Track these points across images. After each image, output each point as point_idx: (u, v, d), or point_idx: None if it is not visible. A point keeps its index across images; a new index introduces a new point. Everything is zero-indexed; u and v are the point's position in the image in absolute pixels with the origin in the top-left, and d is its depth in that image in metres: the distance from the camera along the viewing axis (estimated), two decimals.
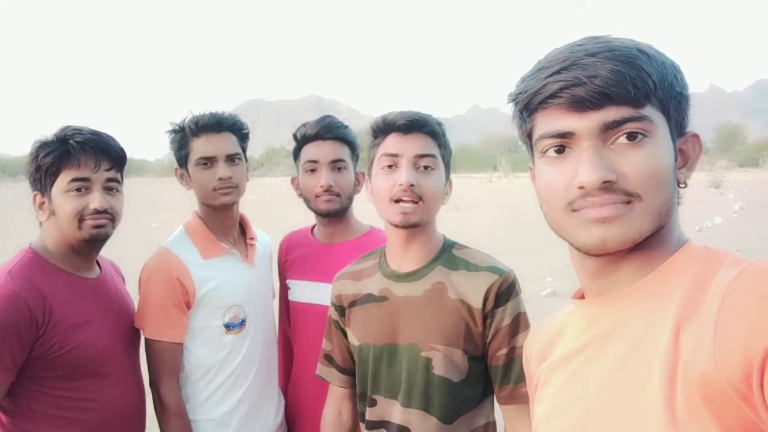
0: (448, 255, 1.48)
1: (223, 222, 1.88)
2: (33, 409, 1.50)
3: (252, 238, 1.98)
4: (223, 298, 1.79)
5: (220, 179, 1.79)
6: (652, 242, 0.78)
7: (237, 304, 1.82)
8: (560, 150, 0.79)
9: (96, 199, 1.57)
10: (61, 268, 1.58)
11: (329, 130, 1.91)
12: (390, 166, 1.42)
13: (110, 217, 1.61)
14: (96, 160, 1.58)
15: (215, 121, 1.83)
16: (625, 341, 0.76)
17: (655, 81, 0.75)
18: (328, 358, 1.65)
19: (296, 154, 1.99)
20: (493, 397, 1.49)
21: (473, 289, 1.41)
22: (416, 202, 1.38)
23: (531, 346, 1.02)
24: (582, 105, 0.75)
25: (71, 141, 1.56)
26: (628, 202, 0.74)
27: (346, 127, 1.98)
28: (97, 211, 1.56)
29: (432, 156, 1.43)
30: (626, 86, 0.73)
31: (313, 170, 1.91)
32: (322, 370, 1.67)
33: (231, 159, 1.83)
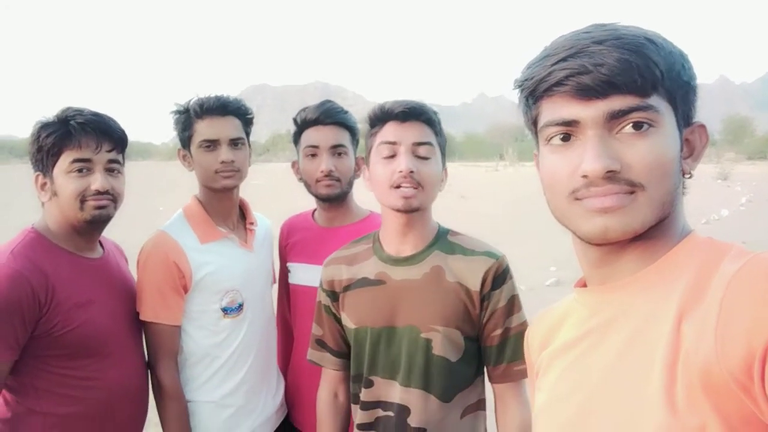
0: (443, 240, 1.52)
1: (223, 205, 1.89)
2: (36, 387, 1.51)
3: (252, 223, 1.99)
4: (220, 283, 1.80)
5: (222, 162, 1.80)
6: (656, 232, 0.77)
7: (234, 288, 1.82)
8: (565, 138, 0.79)
9: (98, 180, 1.57)
10: (64, 248, 1.59)
11: (329, 115, 1.92)
12: (389, 155, 1.44)
13: (112, 198, 1.61)
14: (97, 141, 1.58)
15: (220, 105, 1.83)
16: (627, 330, 0.76)
17: (663, 70, 0.74)
18: (320, 343, 1.67)
19: (296, 138, 2.00)
20: (483, 377, 1.55)
21: (471, 273, 1.46)
22: (416, 188, 1.41)
23: (533, 334, 1.03)
24: (588, 93, 0.74)
25: (72, 122, 1.56)
26: (632, 192, 0.74)
27: (346, 112, 1.98)
28: (99, 192, 1.57)
29: (429, 144, 1.46)
30: (633, 75, 0.72)
31: (313, 155, 1.92)
32: (314, 354, 1.69)
33: (234, 143, 1.84)
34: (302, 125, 1.96)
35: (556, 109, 0.78)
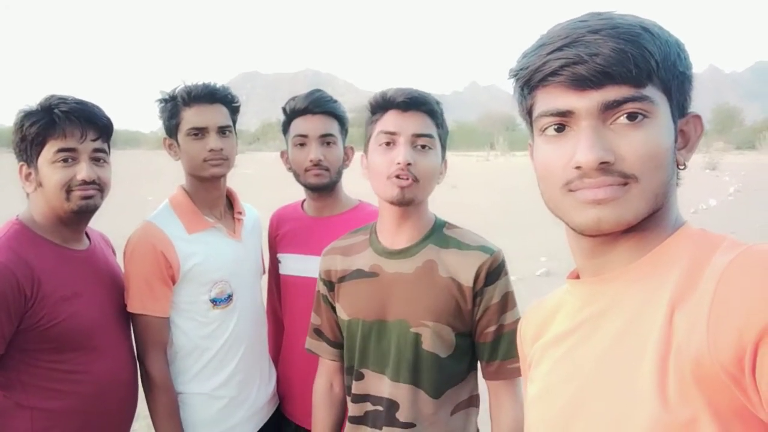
0: (439, 234, 1.49)
1: (210, 195, 1.87)
2: (23, 381, 1.49)
3: (240, 213, 1.97)
4: (208, 273, 1.79)
5: (211, 150, 1.78)
6: (649, 224, 0.77)
7: (223, 279, 1.81)
8: (560, 128, 0.78)
9: (83, 170, 1.55)
10: (49, 240, 1.57)
11: (318, 104, 1.91)
12: (387, 144, 1.42)
13: (98, 187, 1.59)
14: (82, 130, 1.55)
15: (208, 92, 1.81)
16: (619, 321, 0.76)
17: (658, 60, 0.73)
18: (318, 332, 1.67)
19: (285, 127, 1.99)
20: (476, 372, 1.53)
21: (464, 268, 1.43)
22: (412, 181, 1.39)
23: (525, 326, 1.03)
24: (582, 83, 0.74)
25: (56, 110, 1.54)
26: (625, 184, 0.74)
27: (336, 101, 1.98)
28: (85, 182, 1.55)
29: (429, 136, 1.43)
30: (628, 65, 0.72)
31: (302, 144, 1.91)
32: (312, 343, 1.69)
33: (222, 131, 1.82)
34: (291, 114, 1.95)
35: (550, 99, 0.78)
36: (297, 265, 1.97)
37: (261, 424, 1.96)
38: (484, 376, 1.50)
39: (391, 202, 1.42)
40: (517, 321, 1.42)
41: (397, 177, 1.38)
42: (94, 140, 1.59)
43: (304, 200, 2.06)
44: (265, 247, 2.12)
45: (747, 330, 0.59)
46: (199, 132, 1.79)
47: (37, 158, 1.55)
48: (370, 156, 1.47)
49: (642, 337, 0.71)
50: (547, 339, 0.91)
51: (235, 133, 1.91)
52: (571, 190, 0.77)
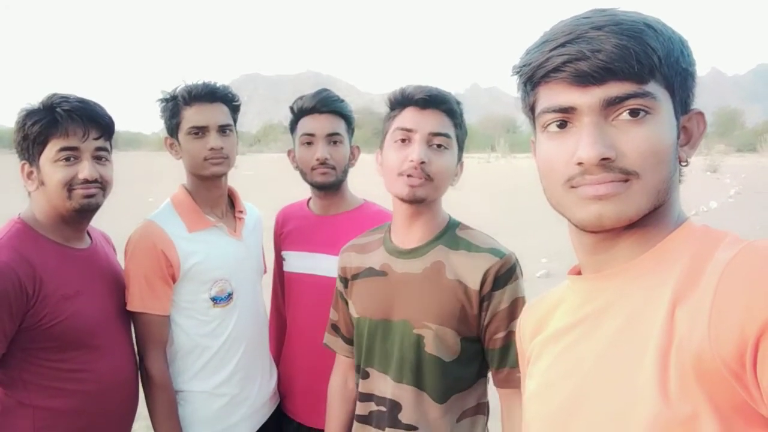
0: (450, 234, 1.47)
1: (211, 194, 1.88)
2: (25, 380, 1.49)
3: (241, 212, 1.98)
4: (208, 272, 1.79)
5: (211, 149, 1.79)
6: (651, 220, 0.77)
7: (223, 277, 1.81)
8: (562, 125, 0.78)
9: (85, 169, 1.55)
10: (51, 239, 1.57)
11: (326, 103, 1.92)
12: (403, 140, 1.39)
13: (100, 186, 1.59)
14: (84, 128, 1.56)
15: (208, 91, 1.81)
16: (621, 317, 0.76)
17: (661, 56, 0.73)
18: (335, 328, 1.68)
19: (293, 126, 2.00)
20: (486, 379, 1.50)
21: (471, 270, 1.40)
22: (424, 180, 1.37)
23: (525, 322, 1.03)
24: (585, 80, 0.74)
25: (58, 109, 1.54)
26: (626, 180, 0.74)
27: (342, 101, 1.99)
28: (87, 181, 1.55)
29: (446, 135, 1.40)
30: (630, 61, 0.72)
31: (309, 143, 1.92)
32: (329, 339, 1.70)
33: (223, 130, 1.82)
34: (299, 113, 1.96)
35: (553, 96, 0.78)
36: (301, 262, 1.98)
37: (262, 422, 1.96)
38: (494, 384, 1.47)
39: (402, 200, 1.41)
40: None
41: (409, 176, 1.36)
42: (96, 139, 1.59)
43: (310, 198, 2.07)
44: (267, 246, 2.12)
45: (748, 325, 0.59)
46: (200, 131, 1.80)
47: (39, 157, 1.55)
48: (385, 152, 1.45)
49: (643, 333, 0.71)
50: (547, 334, 0.91)
51: (236, 132, 1.91)
52: (573, 187, 0.77)
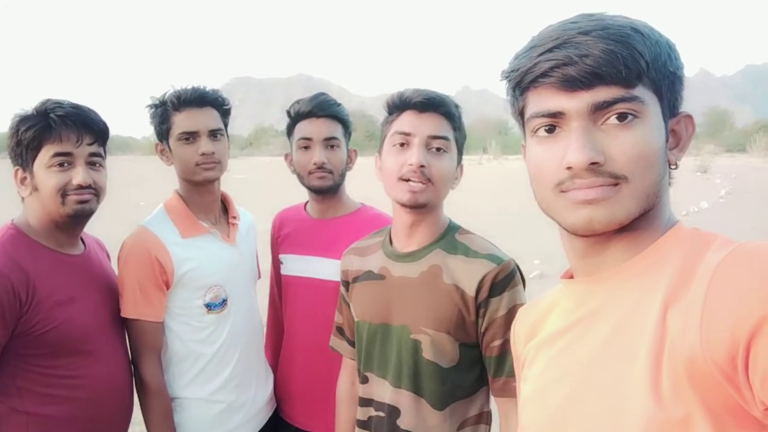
0: (449, 239, 1.45)
1: (204, 199, 1.87)
2: (18, 386, 1.48)
3: (234, 217, 1.97)
4: (202, 278, 1.78)
5: (203, 154, 1.78)
6: (641, 223, 0.78)
7: (217, 283, 1.81)
8: (551, 129, 0.79)
9: (79, 175, 1.54)
10: (44, 245, 1.56)
11: (323, 107, 1.92)
12: (402, 144, 1.39)
13: (94, 192, 1.59)
14: (78, 134, 1.55)
15: (198, 96, 1.80)
16: (613, 320, 0.77)
17: (648, 61, 0.74)
18: (340, 331, 1.68)
19: (290, 130, 2.00)
20: (488, 388, 1.47)
21: (468, 276, 1.38)
22: (425, 184, 1.36)
23: (519, 326, 1.03)
24: (573, 85, 0.74)
25: (52, 115, 1.53)
26: (616, 184, 0.74)
27: (340, 105, 1.99)
28: (81, 187, 1.54)
29: (445, 138, 1.39)
30: (617, 66, 0.72)
31: (306, 147, 1.92)
32: (335, 341, 1.70)
33: (213, 134, 1.81)
34: (296, 117, 1.96)
35: (541, 101, 0.78)
36: (298, 265, 1.97)
37: (259, 428, 1.95)
38: (491, 392, 1.45)
39: (403, 205, 1.40)
40: None
41: (408, 180, 1.36)
42: (89, 144, 1.58)
43: (307, 202, 2.08)
44: (261, 251, 2.11)
45: (739, 327, 0.60)
46: (191, 136, 1.78)
47: (33, 162, 1.54)
48: (384, 157, 1.44)
49: (635, 336, 0.72)
50: (541, 338, 0.92)
51: (227, 136, 1.91)
52: (562, 191, 0.77)
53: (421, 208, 1.39)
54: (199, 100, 1.80)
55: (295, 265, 1.98)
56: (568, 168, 0.75)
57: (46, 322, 1.47)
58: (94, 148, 1.60)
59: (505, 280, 1.37)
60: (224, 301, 1.82)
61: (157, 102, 1.84)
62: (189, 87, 1.82)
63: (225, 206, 1.99)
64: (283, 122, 2.10)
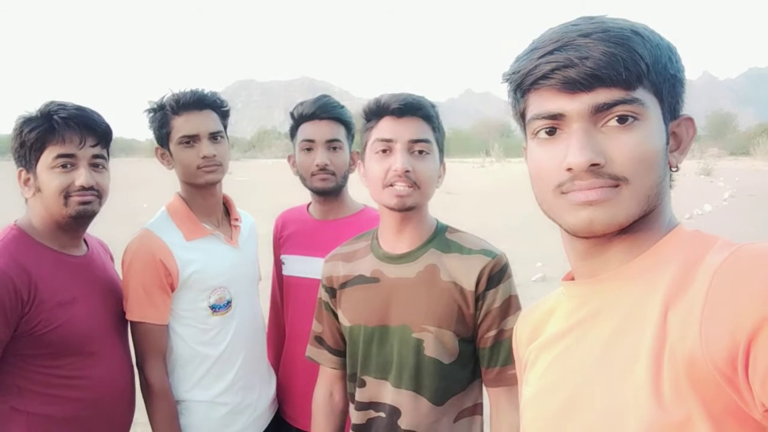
0: (441, 238, 1.48)
1: (206, 202, 1.87)
2: (20, 386, 1.49)
3: (236, 219, 1.97)
4: (207, 280, 1.78)
5: (204, 157, 1.78)
6: (642, 225, 0.78)
7: (222, 285, 1.81)
8: (551, 131, 0.79)
9: (82, 176, 1.55)
10: (47, 246, 1.57)
11: (326, 110, 1.93)
12: (384, 151, 1.40)
13: (97, 193, 1.59)
14: (81, 136, 1.56)
15: (197, 99, 1.80)
16: (614, 321, 0.77)
17: (648, 63, 0.74)
18: (319, 340, 1.65)
19: (293, 132, 2.01)
20: (481, 380, 1.51)
21: (466, 272, 1.41)
22: (411, 187, 1.38)
23: (521, 328, 1.03)
24: (573, 87, 0.74)
25: (55, 116, 1.54)
26: (616, 186, 0.74)
27: (342, 107, 1.99)
28: (83, 188, 1.55)
29: (426, 141, 1.41)
30: (618, 68, 0.73)
31: (309, 149, 1.93)
32: (312, 351, 1.67)
33: (214, 137, 1.82)
34: (299, 119, 1.97)
35: (542, 103, 0.78)
36: (300, 266, 1.98)
37: (262, 429, 1.96)
38: (484, 383, 1.48)
39: (392, 209, 1.41)
40: None
41: (392, 185, 1.37)
42: (93, 146, 1.59)
43: (310, 203, 2.08)
44: (261, 253, 2.12)
45: (739, 329, 0.60)
46: (191, 139, 1.79)
47: (36, 164, 1.55)
48: (367, 164, 1.45)
49: (636, 337, 0.72)
50: (543, 340, 0.92)
51: (227, 138, 1.91)
52: (563, 192, 0.77)
53: (408, 211, 1.42)
54: (198, 103, 1.80)
55: (297, 266, 1.99)
56: (569, 169, 0.75)
57: (48, 323, 1.48)
58: (97, 150, 1.61)
59: (500, 272, 1.42)
60: (229, 303, 1.82)
61: (156, 106, 1.84)
62: (187, 90, 1.82)
63: (227, 208, 1.99)
64: (286, 124, 2.11)
